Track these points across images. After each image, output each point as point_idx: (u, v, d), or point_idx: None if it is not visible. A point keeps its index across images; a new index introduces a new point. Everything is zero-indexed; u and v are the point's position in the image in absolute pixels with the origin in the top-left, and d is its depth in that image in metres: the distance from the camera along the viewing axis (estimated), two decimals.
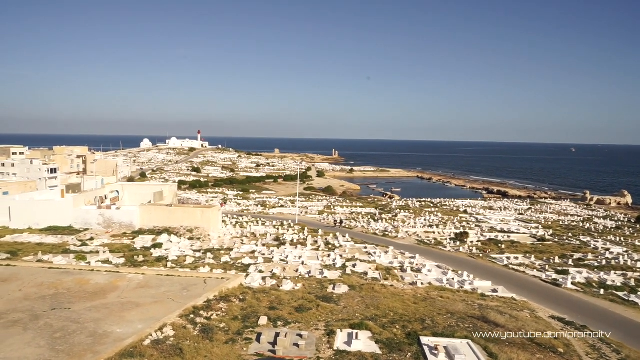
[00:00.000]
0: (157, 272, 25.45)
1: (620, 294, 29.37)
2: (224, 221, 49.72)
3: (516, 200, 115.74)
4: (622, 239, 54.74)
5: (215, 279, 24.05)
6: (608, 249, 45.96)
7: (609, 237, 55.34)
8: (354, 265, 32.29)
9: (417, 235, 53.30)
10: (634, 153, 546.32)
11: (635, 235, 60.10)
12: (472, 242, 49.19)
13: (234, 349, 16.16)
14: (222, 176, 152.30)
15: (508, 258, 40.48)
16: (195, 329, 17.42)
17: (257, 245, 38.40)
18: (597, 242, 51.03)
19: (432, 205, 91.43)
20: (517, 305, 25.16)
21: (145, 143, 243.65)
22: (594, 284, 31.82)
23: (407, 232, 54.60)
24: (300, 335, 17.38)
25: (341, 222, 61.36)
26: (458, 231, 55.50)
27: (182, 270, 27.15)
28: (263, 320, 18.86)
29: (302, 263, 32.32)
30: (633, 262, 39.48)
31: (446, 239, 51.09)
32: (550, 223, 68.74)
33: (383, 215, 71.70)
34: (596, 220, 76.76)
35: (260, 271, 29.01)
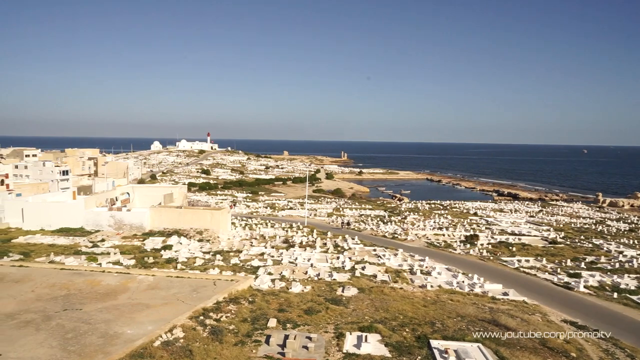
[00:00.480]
0: (167, 273, 25.62)
1: (634, 297, 28.84)
2: (233, 223, 49.94)
3: (527, 202, 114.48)
4: (635, 241, 53.83)
5: (224, 281, 24.13)
6: (621, 252, 45.23)
7: (622, 240, 54.47)
8: (363, 268, 32.17)
9: (427, 237, 53.02)
10: None
11: None
12: (482, 244, 48.74)
13: (243, 350, 16.19)
14: (231, 178, 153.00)
15: (519, 261, 40.00)
16: (204, 331, 17.47)
17: (266, 248, 38.46)
18: (610, 244, 50.21)
19: (441, 207, 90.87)
20: (528, 308, 24.89)
21: (156, 145, 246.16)
22: (607, 288, 31.29)
23: (416, 234, 54.36)
24: (310, 338, 17.36)
25: (348, 223, 61.30)
26: (468, 233, 55.06)
27: (192, 272, 27.31)
28: (272, 322, 18.88)
29: (311, 265, 32.29)
30: None
31: (456, 242, 50.70)
32: (561, 225, 67.84)
33: (392, 218, 71.41)
34: (609, 222, 75.59)
35: (270, 273, 29.06)
